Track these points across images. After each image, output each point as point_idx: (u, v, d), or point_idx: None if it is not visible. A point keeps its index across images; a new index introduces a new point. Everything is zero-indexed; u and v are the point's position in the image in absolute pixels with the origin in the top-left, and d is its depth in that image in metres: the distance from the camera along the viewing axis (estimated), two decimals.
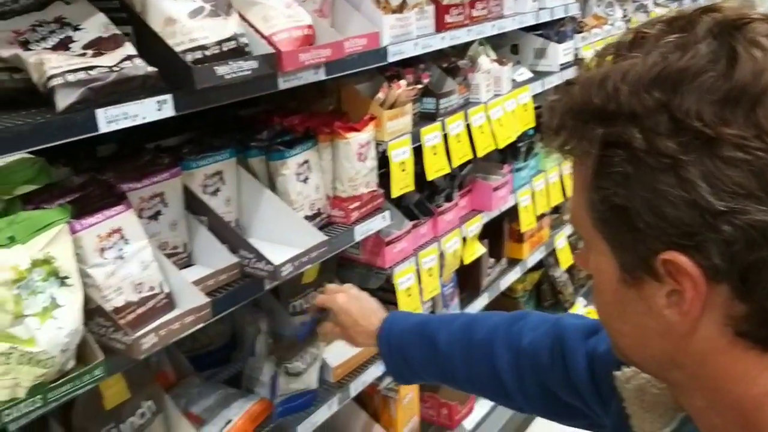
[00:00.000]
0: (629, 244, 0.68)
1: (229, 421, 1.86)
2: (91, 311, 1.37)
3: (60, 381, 1.23)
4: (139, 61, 1.36)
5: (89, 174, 1.57)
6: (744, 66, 0.61)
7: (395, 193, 2.10)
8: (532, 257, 3.11)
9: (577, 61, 3.03)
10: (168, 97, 1.40)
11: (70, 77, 1.26)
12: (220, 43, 1.48)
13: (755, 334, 0.65)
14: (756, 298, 0.62)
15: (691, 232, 0.62)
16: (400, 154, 2.09)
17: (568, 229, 3.41)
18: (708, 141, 0.60)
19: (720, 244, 0.61)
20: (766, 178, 0.59)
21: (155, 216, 1.64)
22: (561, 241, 3.34)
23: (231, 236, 1.70)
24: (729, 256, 0.61)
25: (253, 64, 1.52)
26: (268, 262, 1.67)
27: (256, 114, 2.12)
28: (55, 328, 1.20)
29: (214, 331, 2.18)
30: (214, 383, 2.04)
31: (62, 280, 1.24)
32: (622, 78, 0.66)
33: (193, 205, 1.72)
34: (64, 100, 1.24)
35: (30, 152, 1.40)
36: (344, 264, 2.31)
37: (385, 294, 2.41)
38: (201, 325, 1.52)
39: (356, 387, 2.14)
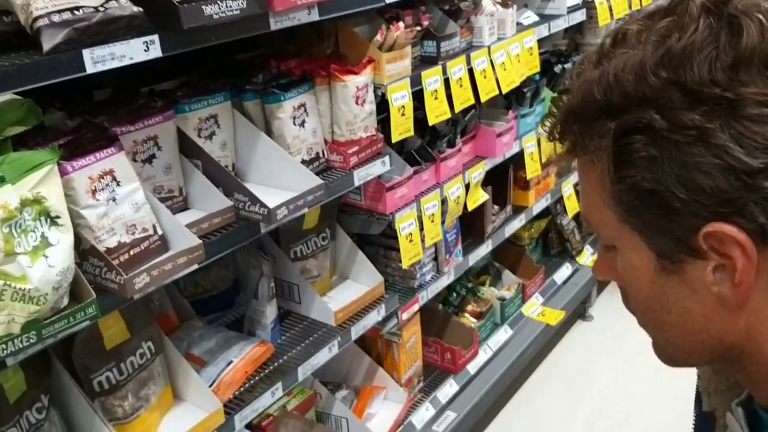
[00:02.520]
0: (665, 228, 0.66)
1: (230, 363, 1.90)
2: (85, 252, 1.39)
3: (54, 318, 1.26)
4: (124, 1, 1.35)
5: (82, 117, 1.58)
6: (749, 30, 0.61)
7: (395, 138, 2.09)
8: (537, 205, 3.09)
9: (586, 4, 2.96)
10: (155, 37, 1.40)
11: (55, 18, 1.25)
12: None
13: None
14: None
15: (730, 198, 0.61)
16: (400, 98, 2.07)
17: (575, 177, 3.39)
18: (730, 104, 0.60)
19: (763, 202, 0.61)
20: None
21: (149, 159, 1.65)
22: (568, 189, 3.32)
23: (225, 179, 1.71)
24: None
25: (241, 3, 1.50)
26: (263, 205, 1.67)
27: (252, 58, 2.11)
28: (46, 266, 1.23)
29: (216, 275, 2.20)
30: (215, 326, 2.07)
31: (53, 220, 1.26)
32: (623, 69, 0.65)
33: (188, 148, 1.73)
34: (49, 40, 1.24)
35: (25, 95, 1.40)
36: (346, 210, 2.32)
37: (387, 240, 2.43)
38: (194, 267, 1.54)
39: (357, 331, 2.16)
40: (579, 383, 3.17)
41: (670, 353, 0.76)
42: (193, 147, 1.72)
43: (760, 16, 0.62)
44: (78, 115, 1.59)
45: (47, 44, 1.24)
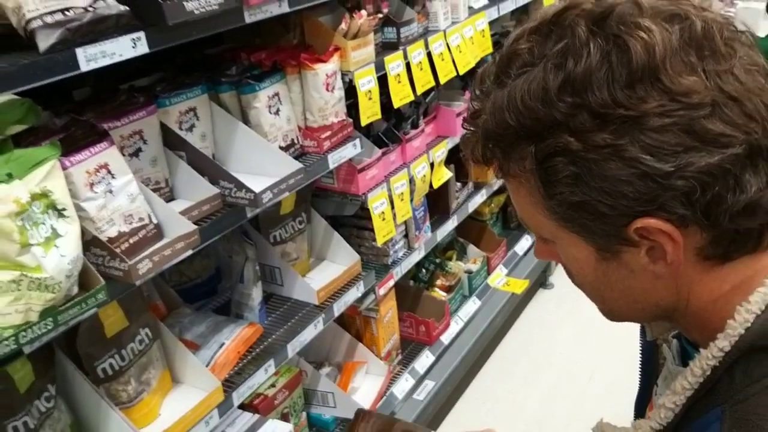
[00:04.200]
0: (598, 228, 0.74)
1: (222, 345, 1.98)
2: (87, 243, 1.46)
3: (68, 304, 1.33)
4: (111, 1, 1.42)
5: (69, 116, 1.63)
6: (636, 49, 0.67)
7: (364, 121, 2.19)
8: (497, 180, 3.24)
9: None
10: (141, 34, 1.46)
11: (48, 19, 1.31)
12: None
13: (716, 253, 0.75)
14: (718, 224, 0.72)
15: (651, 198, 0.69)
16: (366, 83, 2.17)
17: None
18: (635, 120, 0.68)
19: (679, 197, 0.69)
20: (694, 130, 0.68)
21: (136, 153, 1.72)
22: None
23: (210, 168, 1.79)
24: (690, 203, 0.70)
25: None
26: (249, 190, 1.76)
27: (221, 52, 2.18)
28: (58, 256, 1.29)
29: (200, 264, 2.28)
30: (204, 312, 2.15)
31: (60, 212, 1.33)
32: (528, 94, 0.71)
33: (171, 141, 1.80)
34: (45, 40, 1.30)
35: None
36: (319, 194, 2.41)
37: (360, 221, 2.53)
38: (190, 252, 1.62)
39: (338, 307, 2.27)
40: (544, 347, 3.33)
41: (614, 316, 0.87)
42: (177, 139, 1.79)
43: (642, 34, 0.68)
44: (64, 114, 1.64)
45: (43, 44, 1.30)
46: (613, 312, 0.87)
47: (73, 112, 1.66)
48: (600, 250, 0.77)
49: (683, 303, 0.79)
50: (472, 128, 0.81)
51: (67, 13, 1.34)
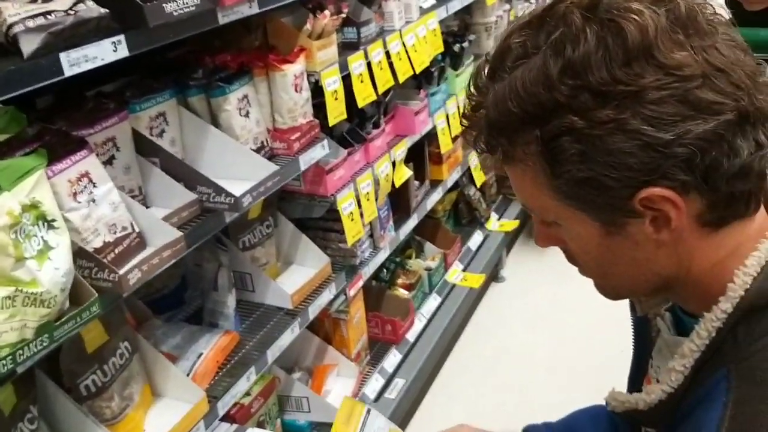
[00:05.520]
0: (604, 202, 0.78)
1: (201, 355, 1.94)
2: (74, 254, 1.40)
3: (63, 319, 1.27)
4: (91, 4, 1.37)
5: (39, 125, 1.56)
6: (630, 30, 0.73)
7: (332, 121, 2.18)
8: (450, 178, 3.28)
9: None
10: (121, 37, 1.42)
11: (30, 23, 1.26)
12: None
13: (713, 218, 0.80)
14: (717, 188, 0.77)
15: (653, 167, 0.74)
16: (332, 83, 2.16)
17: None
18: (634, 95, 0.73)
19: (680, 164, 0.74)
20: (689, 100, 0.73)
21: (110, 161, 1.66)
22: (474, 161, 3.53)
23: (187, 173, 1.75)
24: (690, 169, 0.75)
25: (196, 0, 1.55)
26: (228, 195, 1.73)
27: (184, 55, 2.13)
28: (52, 269, 1.24)
29: (166, 274, 2.20)
30: (176, 322, 2.09)
31: (50, 223, 1.27)
32: (529, 82, 0.76)
33: (143, 147, 1.75)
34: (28, 45, 1.25)
35: None
36: (285, 197, 2.39)
37: (325, 223, 2.51)
38: (176, 259, 1.58)
39: (313, 311, 2.25)
40: (502, 339, 3.40)
41: (616, 292, 0.91)
42: (150, 145, 1.74)
43: (634, 17, 0.73)
44: (34, 123, 1.57)
45: (27, 49, 1.25)
46: (614, 288, 0.91)
47: (41, 120, 1.59)
48: (605, 224, 0.81)
49: (684, 271, 0.84)
50: (472, 122, 0.85)
51: (48, 17, 1.29)
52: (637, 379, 1.06)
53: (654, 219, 0.79)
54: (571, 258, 0.91)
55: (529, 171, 0.81)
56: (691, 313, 0.88)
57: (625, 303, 1.04)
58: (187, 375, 1.86)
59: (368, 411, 1.15)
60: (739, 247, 0.82)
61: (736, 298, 0.79)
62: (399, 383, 2.70)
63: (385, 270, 3.08)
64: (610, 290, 0.92)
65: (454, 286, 3.30)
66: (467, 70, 3.21)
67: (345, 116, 2.24)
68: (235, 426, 2.11)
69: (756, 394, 0.76)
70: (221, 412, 1.86)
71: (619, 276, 0.88)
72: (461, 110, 3.09)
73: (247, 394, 2.22)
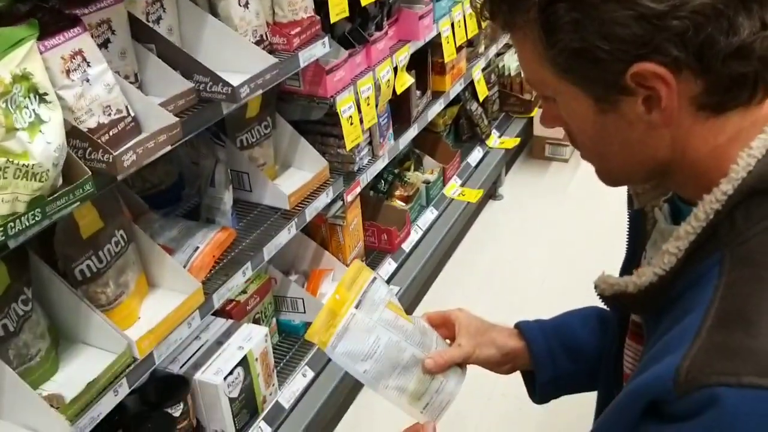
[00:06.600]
0: (597, 76, 0.76)
1: (197, 248, 1.93)
2: (67, 134, 1.37)
3: (56, 195, 1.26)
4: None
5: (32, 2, 1.51)
6: None
7: (333, 18, 2.12)
8: (453, 90, 3.23)
9: None
10: None
11: None
12: None
13: (711, 102, 0.77)
14: (712, 69, 0.74)
15: (646, 41, 0.72)
16: None
17: (482, 62, 3.54)
18: None
19: (673, 38, 0.72)
20: None
21: (105, 44, 1.61)
22: (477, 74, 3.46)
23: (184, 61, 1.70)
24: (683, 44, 0.72)
25: None
26: (226, 84, 1.69)
27: None
28: (44, 143, 1.21)
29: (162, 170, 2.19)
30: (173, 217, 2.09)
31: (41, 97, 1.24)
32: None
33: (139, 33, 1.70)
34: None
35: None
36: (284, 98, 2.35)
37: (324, 127, 2.48)
38: (171, 146, 1.56)
39: (310, 213, 2.24)
40: (497, 254, 3.42)
41: (614, 176, 0.90)
42: (146, 30, 1.69)
43: None
44: (27, 0, 1.51)
45: None
46: (611, 171, 0.90)
47: None
48: (599, 101, 0.79)
49: (679, 155, 0.82)
50: None
51: None
52: (628, 272, 1.06)
53: (647, 98, 0.77)
54: (572, 139, 0.90)
55: (528, 40, 0.80)
56: (690, 201, 0.87)
57: (623, 220, 1.02)
58: (184, 267, 1.87)
59: (374, 279, 1.15)
60: (742, 132, 0.79)
61: (738, 180, 0.77)
62: (393, 290, 2.72)
63: (383, 181, 3.07)
64: (607, 174, 0.91)
65: (451, 200, 3.29)
66: None
67: (347, 13, 2.18)
68: (230, 321, 2.14)
69: (751, 276, 0.74)
70: (216, 304, 1.87)
71: (614, 157, 0.86)
72: (465, 18, 3.03)
73: (243, 291, 2.24)
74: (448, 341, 1.21)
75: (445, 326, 1.23)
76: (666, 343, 0.78)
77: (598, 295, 0.93)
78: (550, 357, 1.21)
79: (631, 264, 1.04)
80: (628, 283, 0.87)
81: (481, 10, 0.85)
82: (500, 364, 1.21)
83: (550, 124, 0.91)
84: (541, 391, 1.23)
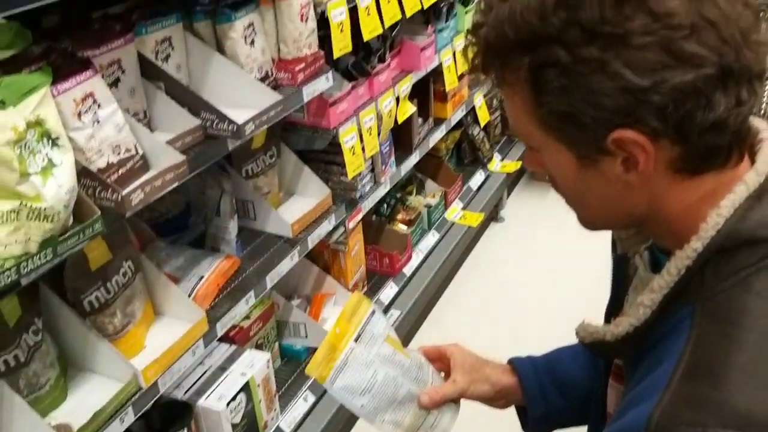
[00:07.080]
0: (581, 137, 0.81)
1: (202, 277, 1.99)
2: (77, 174, 1.43)
3: (67, 235, 1.32)
4: None
5: (45, 44, 1.57)
6: None
7: (336, 54, 2.18)
8: (454, 116, 3.29)
9: None
10: None
11: None
12: None
13: (686, 167, 0.82)
14: (689, 140, 0.79)
15: (629, 111, 0.76)
16: (338, 15, 2.15)
17: (484, 88, 3.60)
18: (620, 37, 0.74)
19: (654, 111, 0.76)
20: (672, 49, 0.74)
21: (115, 83, 1.67)
22: (479, 100, 3.52)
23: (191, 99, 1.76)
24: (663, 117, 0.76)
25: None
26: (231, 122, 1.75)
27: None
28: (56, 186, 1.27)
29: (170, 200, 2.25)
30: (179, 246, 2.14)
31: (54, 141, 1.30)
32: (527, 10, 0.78)
33: (148, 71, 1.76)
34: None
35: None
36: (288, 128, 2.41)
37: (327, 156, 2.54)
38: (178, 183, 1.61)
39: (312, 240, 2.30)
40: (498, 277, 3.46)
41: (591, 224, 0.95)
42: (155, 69, 1.75)
43: None
44: (40, 42, 1.58)
45: None
46: (590, 219, 0.94)
47: (48, 39, 1.60)
48: (581, 158, 0.84)
49: (655, 211, 0.87)
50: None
51: None
52: (612, 316, 1.10)
53: (625, 160, 0.81)
54: (555, 185, 0.95)
55: (518, 96, 0.84)
56: (668, 251, 0.91)
57: None
58: (189, 295, 1.92)
59: (373, 312, 1.19)
60: (713, 192, 0.84)
61: (707, 239, 0.82)
62: (394, 314, 2.78)
63: (385, 205, 3.12)
64: (586, 221, 0.95)
65: (453, 224, 3.34)
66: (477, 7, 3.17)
67: (350, 49, 2.24)
68: (234, 347, 2.19)
69: (717, 332, 0.79)
70: (220, 332, 1.92)
71: (593, 208, 0.92)
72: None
73: (247, 317, 2.30)
74: (443, 373, 1.26)
75: (440, 360, 1.28)
76: (642, 389, 0.83)
77: (578, 342, 0.98)
78: (541, 393, 1.25)
79: (614, 306, 1.09)
80: (606, 332, 0.92)
81: (473, 63, 0.88)
82: (494, 400, 1.26)
83: (533, 168, 0.96)
84: (534, 425, 1.28)
